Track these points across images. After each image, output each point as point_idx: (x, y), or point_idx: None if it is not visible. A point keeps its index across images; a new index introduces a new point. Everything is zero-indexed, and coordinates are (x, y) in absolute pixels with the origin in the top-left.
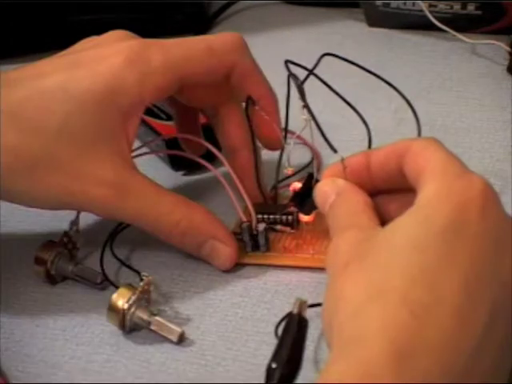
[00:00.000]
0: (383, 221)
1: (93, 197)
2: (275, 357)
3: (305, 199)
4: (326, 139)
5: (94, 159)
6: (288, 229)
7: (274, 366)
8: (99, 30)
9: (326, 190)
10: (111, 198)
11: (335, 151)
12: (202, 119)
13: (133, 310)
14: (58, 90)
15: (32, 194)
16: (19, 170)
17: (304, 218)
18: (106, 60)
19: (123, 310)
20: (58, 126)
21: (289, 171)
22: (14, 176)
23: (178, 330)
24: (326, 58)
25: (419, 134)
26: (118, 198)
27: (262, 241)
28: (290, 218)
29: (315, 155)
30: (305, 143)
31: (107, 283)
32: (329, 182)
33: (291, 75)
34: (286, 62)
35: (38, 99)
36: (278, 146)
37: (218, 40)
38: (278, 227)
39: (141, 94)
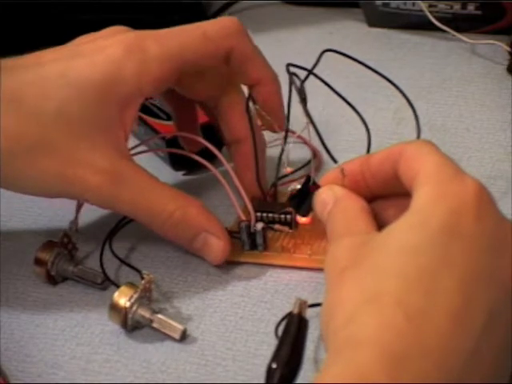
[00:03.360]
0: (381, 225)
1: (88, 184)
2: (275, 357)
3: (302, 201)
4: (325, 148)
5: (90, 147)
6: (286, 228)
7: (274, 366)
8: (98, 29)
9: (324, 197)
10: (106, 185)
11: (335, 161)
12: (202, 119)
13: (135, 308)
14: (57, 76)
15: (28, 181)
16: (17, 154)
17: (301, 219)
18: (106, 50)
19: (125, 308)
20: (55, 112)
21: (287, 170)
22: (11, 159)
23: (180, 327)
24: (326, 58)
25: (419, 134)
26: (113, 187)
27: (259, 240)
28: (288, 217)
29: (314, 156)
30: (305, 142)
31: (108, 283)
32: (326, 189)
33: (293, 75)
34: (288, 65)
35: (37, 85)
36: (280, 127)
37: (213, 25)
38: (277, 226)
39: (139, 84)
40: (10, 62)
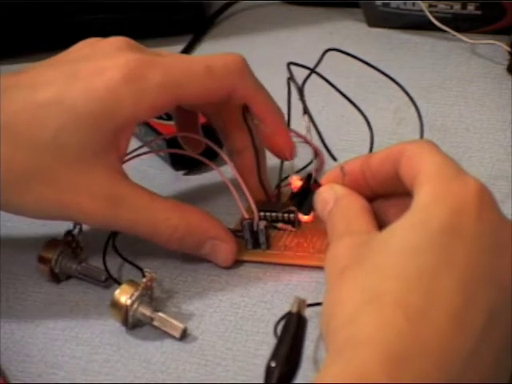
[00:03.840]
0: (382, 225)
1: (86, 209)
2: (274, 356)
3: (303, 200)
4: (325, 146)
5: (86, 172)
6: (289, 227)
7: (273, 364)
8: (99, 30)
9: (325, 196)
10: (104, 210)
11: (335, 159)
12: (202, 119)
13: (135, 306)
14: (53, 103)
15: (25, 206)
16: (12, 183)
17: (303, 218)
18: (103, 75)
19: (126, 306)
20: (51, 139)
21: (293, 179)
22: (7, 188)
23: (181, 325)
24: (326, 57)
25: (422, 133)
26: (112, 210)
27: (262, 238)
28: (291, 216)
29: (316, 155)
30: (306, 142)
31: (111, 281)
32: (327, 188)
33: (291, 79)
34: (289, 64)
35: (32, 111)
36: (290, 156)
37: (218, 61)
38: (279, 225)
39: (135, 111)
40: (5, 81)
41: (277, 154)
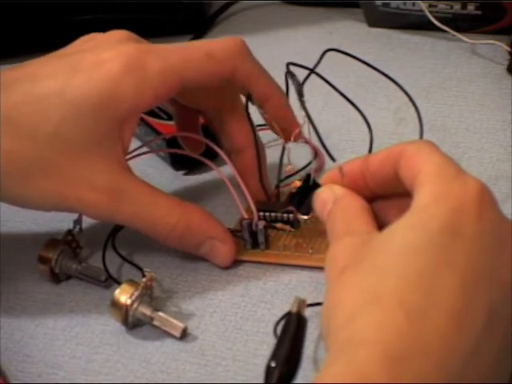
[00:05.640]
0: (382, 225)
1: (87, 202)
2: (274, 356)
3: (302, 200)
4: (323, 146)
5: (88, 164)
6: (288, 227)
7: (273, 364)
8: (99, 30)
9: (324, 197)
10: (106, 203)
11: (333, 160)
12: (202, 119)
13: (135, 305)
14: (53, 94)
15: (27, 198)
16: (13, 175)
17: (302, 218)
18: (104, 66)
19: (126, 305)
20: (52, 131)
21: (288, 169)
22: (8, 180)
23: (181, 325)
24: (326, 58)
25: (421, 132)
26: (113, 203)
27: (261, 238)
28: (290, 216)
29: (315, 155)
30: (306, 142)
31: (111, 281)
32: (326, 189)
33: (289, 74)
34: (288, 64)
35: (33, 104)
36: (295, 138)
37: (217, 45)
38: (278, 225)
39: (137, 101)
40: (7, 75)
41: (280, 135)
